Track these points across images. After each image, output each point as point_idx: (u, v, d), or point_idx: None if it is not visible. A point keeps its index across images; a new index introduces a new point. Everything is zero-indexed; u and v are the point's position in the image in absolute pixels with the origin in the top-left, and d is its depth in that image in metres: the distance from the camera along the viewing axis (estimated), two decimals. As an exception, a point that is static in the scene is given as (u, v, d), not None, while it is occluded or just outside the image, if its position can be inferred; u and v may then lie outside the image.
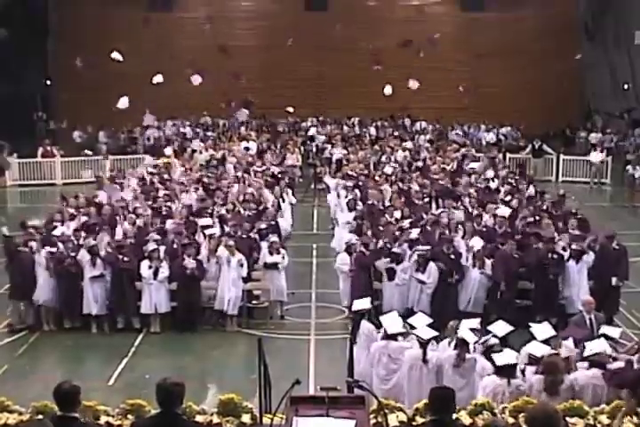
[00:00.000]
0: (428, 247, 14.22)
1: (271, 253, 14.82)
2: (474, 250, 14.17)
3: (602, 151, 27.62)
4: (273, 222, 16.91)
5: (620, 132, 31.09)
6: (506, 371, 9.05)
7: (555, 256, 14.11)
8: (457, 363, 9.70)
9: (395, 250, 14.21)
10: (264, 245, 15.25)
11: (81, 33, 33.01)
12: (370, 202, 18.18)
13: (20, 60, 31.43)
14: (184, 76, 32.27)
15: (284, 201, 19.61)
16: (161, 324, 14.08)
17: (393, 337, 10.39)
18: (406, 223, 15.58)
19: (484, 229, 15.64)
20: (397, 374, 10.26)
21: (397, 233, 14.99)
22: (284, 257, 14.82)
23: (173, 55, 33.93)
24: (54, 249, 14.27)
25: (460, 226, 15.54)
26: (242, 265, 14.06)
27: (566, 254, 14.24)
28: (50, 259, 14.08)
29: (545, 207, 17.46)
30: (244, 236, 15.31)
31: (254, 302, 14.65)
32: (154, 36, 33.88)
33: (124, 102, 27.07)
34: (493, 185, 20.22)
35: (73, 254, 14.16)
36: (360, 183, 20.31)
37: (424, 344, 10.01)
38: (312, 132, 29.32)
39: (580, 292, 13.75)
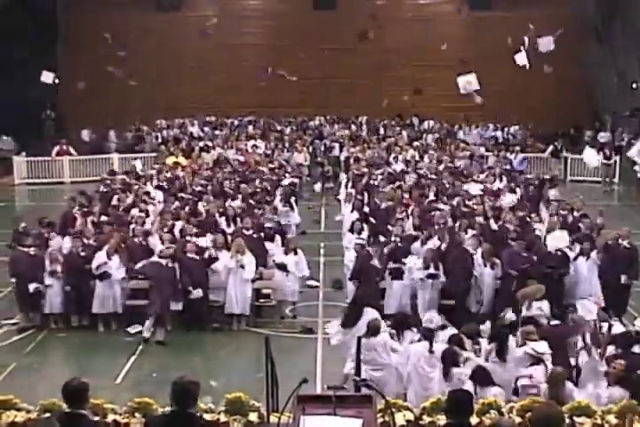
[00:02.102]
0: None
1: (286, 253, 14.85)
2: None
3: (612, 152, 27.55)
4: (281, 222, 16.91)
5: (631, 132, 30.92)
6: (480, 376, 9.11)
7: (559, 253, 14.09)
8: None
9: (394, 266, 14.19)
10: (269, 245, 15.28)
11: (89, 33, 33.05)
12: (377, 202, 18.18)
13: (28, 61, 31.51)
14: (189, 75, 32.45)
15: (288, 201, 19.65)
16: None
17: (374, 334, 10.46)
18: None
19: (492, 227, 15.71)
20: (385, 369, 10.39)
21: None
22: (297, 261, 14.87)
23: (181, 55, 34.04)
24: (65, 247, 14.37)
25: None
26: (242, 266, 13.99)
27: (572, 254, 14.24)
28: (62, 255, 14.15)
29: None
30: (255, 235, 15.31)
31: (262, 300, 14.67)
32: (161, 36, 33.96)
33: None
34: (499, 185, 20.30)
35: (83, 254, 14.22)
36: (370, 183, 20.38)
37: (430, 336, 10.23)
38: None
39: (591, 290, 13.73)
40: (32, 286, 13.92)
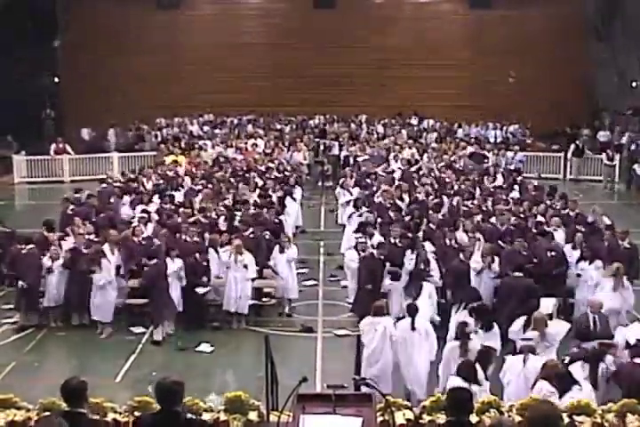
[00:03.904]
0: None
1: (282, 251, 14.86)
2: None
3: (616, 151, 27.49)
4: (277, 220, 16.89)
5: (633, 131, 30.89)
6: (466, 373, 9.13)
7: (553, 254, 14.01)
8: (462, 353, 9.89)
9: (391, 269, 14.10)
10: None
11: (89, 32, 33.07)
12: (378, 201, 18.18)
13: (28, 59, 31.49)
14: (189, 74, 32.43)
15: (294, 199, 19.65)
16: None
17: (378, 315, 10.84)
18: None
19: (489, 226, 15.68)
20: (382, 357, 10.66)
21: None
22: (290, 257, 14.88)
23: (181, 53, 34.03)
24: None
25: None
26: (245, 266, 13.98)
27: (574, 253, 14.17)
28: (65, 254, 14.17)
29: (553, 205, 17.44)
30: (252, 236, 15.28)
31: (264, 299, 14.66)
32: (161, 35, 33.94)
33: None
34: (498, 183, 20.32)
35: (86, 251, 14.22)
36: (368, 181, 20.38)
37: (412, 313, 10.80)
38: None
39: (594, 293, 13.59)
40: (20, 283, 13.97)
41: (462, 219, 15.85)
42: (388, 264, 14.02)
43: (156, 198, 18.61)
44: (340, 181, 21.20)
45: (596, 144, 30.04)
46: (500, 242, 14.55)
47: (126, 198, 18.74)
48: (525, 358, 9.59)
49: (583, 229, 15.37)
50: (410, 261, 13.97)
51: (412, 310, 10.93)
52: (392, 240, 14.65)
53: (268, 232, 15.68)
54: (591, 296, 12.92)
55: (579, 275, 13.96)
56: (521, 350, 9.82)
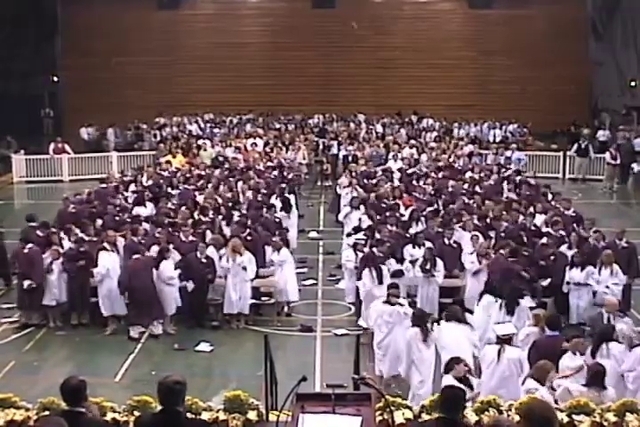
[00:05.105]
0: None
1: (272, 252, 14.85)
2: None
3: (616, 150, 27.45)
4: (277, 220, 16.88)
5: (632, 130, 30.90)
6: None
7: (554, 258, 13.94)
8: (424, 337, 10.48)
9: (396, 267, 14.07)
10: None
11: (89, 31, 33.10)
12: (375, 200, 18.16)
13: (28, 59, 31.53)
14: (190, 73, 32.41)
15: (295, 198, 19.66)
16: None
17: (389, 302, 11.53)
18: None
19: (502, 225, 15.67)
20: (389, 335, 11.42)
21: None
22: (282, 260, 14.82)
23: (180, 53, 34.06)
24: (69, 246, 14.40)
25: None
26: (244, 268, 13.95)
27: (570, 253, 14.10)
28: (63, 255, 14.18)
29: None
30: (250, 237, 15.25)
31: (263, 298, 14.64)
32: (161, 35, 33.97)
33: None
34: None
35: (83, 250, 14.21)
36: (365, 181, 20.36)
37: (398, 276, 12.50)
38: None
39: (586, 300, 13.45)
40: (26, 283, 13.96)
41: (463, 219, 15.82)
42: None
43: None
44: (340, 181, 21.18)
45: (595, 144, 30.04)
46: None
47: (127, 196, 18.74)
48: (501, 349, 9.61)
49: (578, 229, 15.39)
50: (409, 256, 13.99)
51: (398, 275, 12.57)
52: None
53: (268, 232, 15.65)
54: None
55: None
56: (497, 340, 9.82)
